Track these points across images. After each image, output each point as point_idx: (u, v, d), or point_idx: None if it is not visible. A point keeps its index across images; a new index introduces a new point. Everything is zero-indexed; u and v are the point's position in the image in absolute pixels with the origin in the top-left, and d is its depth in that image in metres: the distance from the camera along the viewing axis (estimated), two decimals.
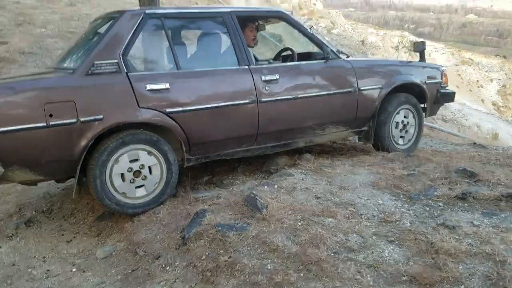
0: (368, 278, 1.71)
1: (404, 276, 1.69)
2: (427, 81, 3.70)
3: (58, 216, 3.05)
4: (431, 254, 1.80)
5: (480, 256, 1.74)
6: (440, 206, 2.24)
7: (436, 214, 2.16)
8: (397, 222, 2.12)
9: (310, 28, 3.37)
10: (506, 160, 3.14)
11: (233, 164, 3.54)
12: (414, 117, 3.67)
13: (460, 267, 1.69)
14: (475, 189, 2.34)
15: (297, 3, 31.42)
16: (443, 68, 3.93)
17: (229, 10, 3.07)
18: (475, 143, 4.31)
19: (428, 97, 3.71)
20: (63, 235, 2.80)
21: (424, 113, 3.78)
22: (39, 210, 3.12)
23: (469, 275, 1.65)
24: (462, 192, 2.29)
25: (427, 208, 2.23)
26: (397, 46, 28.59)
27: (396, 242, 1.95)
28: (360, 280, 1.70)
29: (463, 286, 1.60)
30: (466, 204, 2.23)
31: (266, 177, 3.15)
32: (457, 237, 1.88)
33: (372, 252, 1.88)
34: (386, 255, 1.85)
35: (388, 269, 1.75)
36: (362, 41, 25.76)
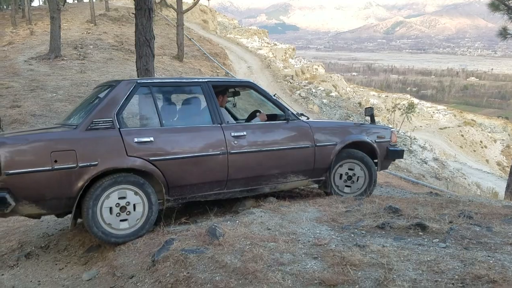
0: (289, 282, 2.19)
1: (316, 280, 2.17)
2: (377, 140, 4.30)
3: (54, 250, 3.55)
4: (341, 265, 2.28)
5: (377, 266, 2.23)
6: (362, 233, 2.74)
7: (357, 239, 2.65)
8: (325, 245, 2.61)
9: (274, 95, 4.06)
10: (445, 204, 3.64)
11: (208, 207, 4.07)
12: (362, 169, 4.20)
13: (359, 273, 2.17)
14: (393, 220, 2.85)
15: (300, 68, 33.30)
16: (392, 129, 4.56)
17: (206, 80, 3.79)
18: (431, 192, 4.80)
19: (378, 153, 4.30)
20: (56, 264, 3.30)
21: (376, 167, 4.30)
22: (38, 246, 3.63)
23: (365, 278, 2.13)
24: (382, 223, 2.80)
25: (352, 235, 2.73)
26: (394, 108, 30.03)
27: (319, 258, 2.43)
28: (282, 283, 2.18)
29: (357, 285, 2.08)
30: (383, 232, 2.73)
31: (233, 216, 3.67)
32: (364, 253, 2.37)
33: (298, 265, 2.36)
34: (308, 267, 2.33)
35: (306, 276, 2.23)
36: (359, 103, 27.00)
